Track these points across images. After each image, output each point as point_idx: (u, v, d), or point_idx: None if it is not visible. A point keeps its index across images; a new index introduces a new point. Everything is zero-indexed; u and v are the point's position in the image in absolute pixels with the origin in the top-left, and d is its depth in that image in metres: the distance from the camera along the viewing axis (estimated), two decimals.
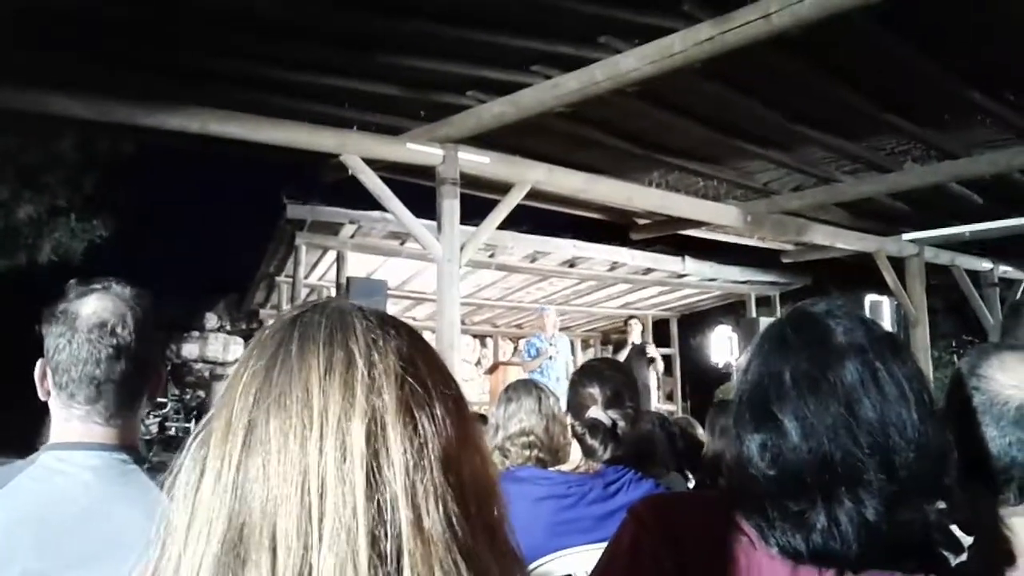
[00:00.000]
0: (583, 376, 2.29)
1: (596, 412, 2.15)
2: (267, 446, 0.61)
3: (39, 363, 1.41)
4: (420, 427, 0.63)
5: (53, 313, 1.40)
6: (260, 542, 0.58)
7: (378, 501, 0.59)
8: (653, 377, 9.62)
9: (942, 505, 1.03)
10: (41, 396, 1.41)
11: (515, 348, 14.04)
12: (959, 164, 7.06)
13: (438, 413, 0.65)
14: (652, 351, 9.49)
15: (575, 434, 2.17)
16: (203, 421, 0.66)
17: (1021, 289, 11.33)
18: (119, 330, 1.37)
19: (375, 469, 0.60)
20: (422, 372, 0.67)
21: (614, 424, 2.14)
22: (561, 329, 14.48)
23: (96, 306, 1.39)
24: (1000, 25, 4.80)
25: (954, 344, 14.47)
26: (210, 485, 0.61)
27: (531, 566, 2.04)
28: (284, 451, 0.60)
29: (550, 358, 8.62)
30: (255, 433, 0.62)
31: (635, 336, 9.56)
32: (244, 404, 0.63)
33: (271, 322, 0.71)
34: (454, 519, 0.61)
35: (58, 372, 1.37)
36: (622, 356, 9.10)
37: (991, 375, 1.20)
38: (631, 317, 10.17)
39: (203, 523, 0.60)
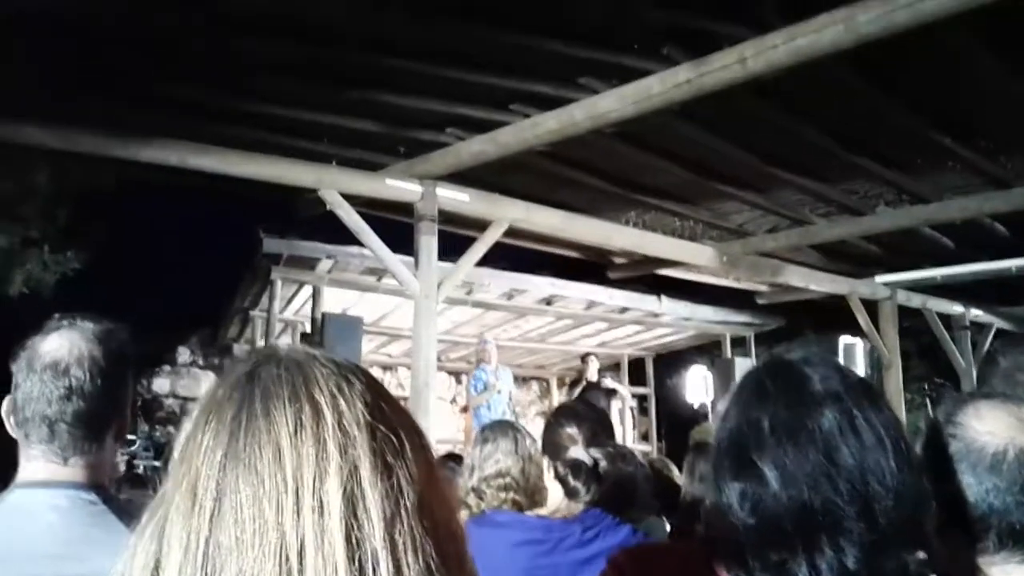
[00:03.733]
0: (560, 416, 2.28)
1: (577, 452, 2.13)
2: (239, 514, 0.58)
3: (6, 400, 1.38)
4: (394, 476, 0.61)
5: (18, 350, 1.38)
6: None
7: (359, 559, 0.57)
8: (615, 411, 9.49)
9: (922, 555, 1.03)
10: (10, 432, 1.38)
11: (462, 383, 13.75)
12: (930, 208, 7.17)
13: (409, 458, 0.64)
14: (610, 383, 9.25)
15: (557, 476, 2.15)
16: (160, 493, 0.63)
17: (992, 333, 11.45)
18: (73, 370, 1.34)
19: (354, 526, 0.58)
20: (389, 418, 0.65)
21: (595, 463, 2.12)
22: (537, 367, 14.57)
23: (54, 344, 1.36)
24: (969, 73, 4.90)
25: (926, 387, 14.55)
26: (176, 563, 0.58)
27: None
28: (259, 518, 0.57)
29: (498, 392, 8.36)
30: (225, 502, 0.58)
31: (591, 373, 9.38)
32: (210, 471, 0.60)
33: (222, 379, 0.68)
34: (432, 565, 0.60)
35: (16, 411, 1.35)
36: (576, 393, 9.02)
37: (966, 423, 1.21)
38: (588, 354, 9.98)
39: None
